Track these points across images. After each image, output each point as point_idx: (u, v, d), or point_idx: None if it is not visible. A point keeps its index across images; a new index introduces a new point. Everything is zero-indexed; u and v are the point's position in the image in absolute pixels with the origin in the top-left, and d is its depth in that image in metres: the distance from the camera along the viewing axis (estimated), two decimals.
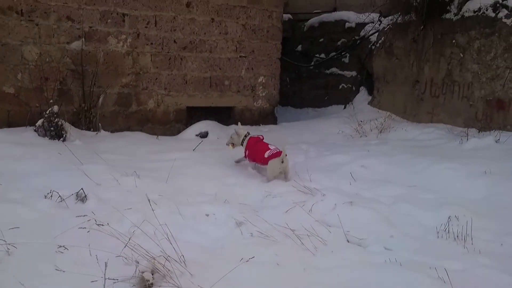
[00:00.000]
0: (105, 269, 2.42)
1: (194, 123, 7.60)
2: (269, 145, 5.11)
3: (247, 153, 5.27)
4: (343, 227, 3.53)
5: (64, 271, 2.62)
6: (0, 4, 6.25)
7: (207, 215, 3.88)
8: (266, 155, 4.99)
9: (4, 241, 2.85)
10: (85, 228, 3.16)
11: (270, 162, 4.90)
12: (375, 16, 9.44)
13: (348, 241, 3.44)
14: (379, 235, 3.54)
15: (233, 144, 5.44)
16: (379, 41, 8.78)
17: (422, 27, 7.66)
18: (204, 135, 7.13)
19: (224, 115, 8.10)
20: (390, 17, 8.57)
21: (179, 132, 7.60)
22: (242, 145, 5.36)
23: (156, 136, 6.97)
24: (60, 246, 2.92)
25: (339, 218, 3.61)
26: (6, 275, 2.56)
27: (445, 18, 7.45)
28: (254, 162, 5.28)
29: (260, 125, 8.36)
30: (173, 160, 5.21)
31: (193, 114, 7.82)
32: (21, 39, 6.44)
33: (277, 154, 4.91)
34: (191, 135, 7.13)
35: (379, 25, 9.26)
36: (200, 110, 7.89)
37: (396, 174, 5.09)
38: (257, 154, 5.14)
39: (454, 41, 7.26)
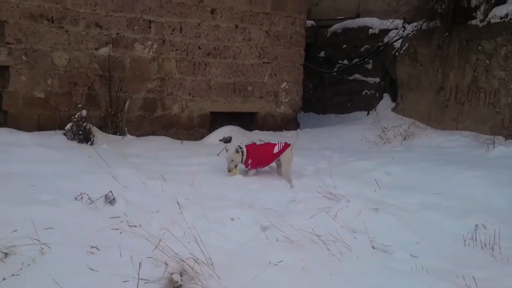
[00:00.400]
0: (139, 270, 2.48)
1: (217, 128, 7.69)
2: (270, 142, 5.31)
3: (250, 162, 5.17)
4: (368, 234, 3.53)
5: (97, 271, 2.70)
6: (31, 11, 6.45)
7: (232, 219, 3.92)
8: (275, 151, 5.16)
9: (39, 240, 2.94)
10: (117, 229, 3.23)
11: (284, 154, 5.11)
12: (399, 22, 9.41)
13: (373, 248, 3.44)
14: (404, 242, 3.54)
15: (236, 166, 5.13)
16: (403, 48, 8.74)
17: (447, 33, 7.61)
18: (227, 140, 7.20)
19: (247, 121, 8.16)
20: (414, 24, 8.54)
21: (202, 137, 7.69)
22: (242, 161, 5.14)
23: (180, 141, 7.08)
24: (92, 247, 3.00)
25: (364, 225, 3.61)
26: (41, 274, 2.65)
27: (471, 25, 7.39)
28: (258, 167, 5.29)
29: (282, 131, 8.41)
30: (197, 164, 5.29)
31: (217, 119, 7.91)
32: (51, 46, 6.62)
33: (286, 146, 5.16)
34: (215, 140, 7.21)
35: (403, 31, 9.23)
36: (223, 116, 7.97)
37: (421, 181, 5.07)
38: (263, 156, 5.18)
39: (480, 47, 7.19)
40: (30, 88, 6.55)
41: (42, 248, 2.94)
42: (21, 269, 2.62)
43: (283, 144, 5.20)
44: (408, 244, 3.50)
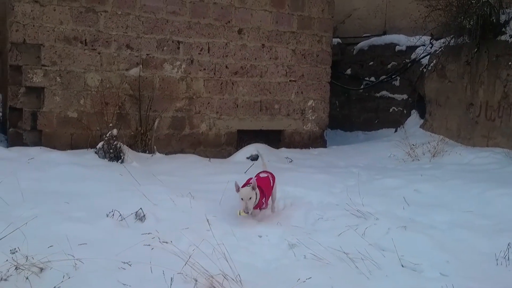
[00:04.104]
0: (171, 285, 2.53)
1: (244, 146, 7.75)
2: (258, 174, 4.64)
3: (264, 200, 4.37)
4: (397, 252, 3.50)
5: (129, 286, 2.77)
6: (66, 34, 6.70)
7: (260, 236, 3.95)
8: (271, 182, 4.59)
9: (73, 256, 3.04)
10: (149, 245, 3.31)
11: (276, 184, 4.66)
12: (426, 39, 9.36)
13: (402, 266, 3.40)
14: (434, 260, 3.49)
15: (251, 200, 4.15)
16: (431, 64, 8.69)
17: (476, 49, 7.53)
18: (254, 158, 7.24)
19: (273, 139, 8.21)
20: (442, 40, 8.49)
21: (229, 155, 7.77)
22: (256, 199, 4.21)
23: (208, 159, 7.16)
24: (124, 263, 3.07)
25: (393, 243, 3.58)
26: None
27: (500, 40, 7.31)
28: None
29: (309, 148, 8.42)
30: (225, 182, 5.32)
31: (243, 137, 7.98)
32: (84, 67, 6.85)
33: (271, 174, 4.68)
34: (242, 158, 7.27)
35: (431, 47, 9.17)
36: (250, 134, 8.04)
37: (451, 199, 4.99)
38: (270, 190, 4.55)
39: (510, 63, 7.09)
40: (63, 108, 6.77)
41: (75, 264, 3.03)
42: (62, 282, 2.69)
43: (267, 174, 4.67)
44: (438, 263, 3.45)
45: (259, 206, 4.29)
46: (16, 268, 2.83)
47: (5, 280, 2.75)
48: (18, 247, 2.92)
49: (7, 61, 6.93)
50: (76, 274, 2.93)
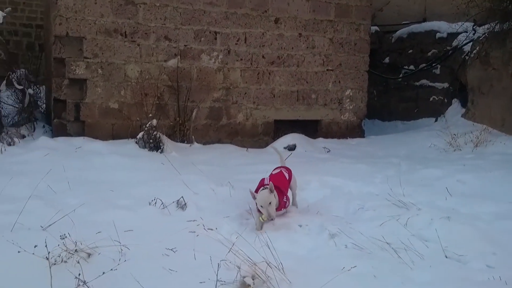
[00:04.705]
0: (218, 271, 2.59)
1: (280, 136, 7.75)
2: (273, 173, 4.31)
3: (286, 197, 4.09)
4: (440, 242, 3.43)
5: (175, 271, 2.83)
6: (107, 27, 6.85)
7: (300, 225, 3.95)
8: (287, 177, 4.30)
9: (119, 242, 3.13)
10: (194, 232, 3.37)
11: (293, 179, 4.36)
12: (468, 25, 9.06)
13: (446, 257, 3.33)
14: (479, 252, 3.40)
15: (271, 205, 3.76)
16: (474, 51, 8.41)
17: None
18: (292, 148, 7.24)
19: (310, 129, 8.16)
20: (486, 26, 8.19)
21: (266, 144, 7.77)
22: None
23: (245, 149, 7.20)
24: (168, 249, 3.14)
25: (437, 233, 3.51)
26: (123, 273, 2.81)
27: None
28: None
29: (347, 138, 8.33)
30: (263, 171, 5.34)
31: (280, 127, 7.97)
32: (125, 59, 6.98)
33: (287, 169, 4.38)
34: (279, 148, 7.21)
35: (473, 34, 8.88)
36: (287, 124, 8.02)
37: (495, 190, 4.84)
38: (287, 188, 4.24)
39: None
40: (105, 99, 6.94)
41: (121, 249, 3.12)
42: (112, 268, 2.78)
43: (280, 168, 4.40)
44: (484, 254, 3.36)
45: (282, 206, 3.95)
46: (66, 253, 2.94)
47: (55, 264, 2.86)
48: (68, 233, 3.02)
49: (50, 55, 7.16)
50: (123, 259, 3.02)
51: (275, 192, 3.81)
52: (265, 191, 3.76)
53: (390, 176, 5.25)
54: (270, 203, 3.71)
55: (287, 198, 4.09)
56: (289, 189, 4.30)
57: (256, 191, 3.92)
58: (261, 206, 3.73)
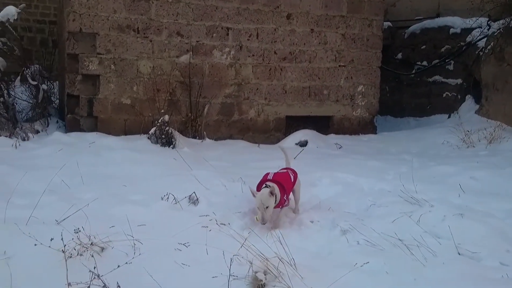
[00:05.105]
0: (230, 266, 2.60)
1: (292, 132, 7.74)
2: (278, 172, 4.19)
3: (287, 195, 3.96)
4: (453, 239, 3.41)
5: (188, 266, 2.85)
6: (119, 23, 6.88)
7: (312, 221, 3.96)
8: (292, 178, 4.16)
9: (132, 236, 3.15)
10: (207, 227, 3.39)
11: (298, 180, 4.23)
12: (483, 20, 8.96)
13: (459, 254, 3.31)
14: (493, 249, 3.37)
15: (268, 209, 3.64)
16: (488, 47, 8.32)
17: None
18: (303, 144, 7.23)
19: (322, 125, 8.14)
20: (501, 21, 8.09)
21: (278, 140, 7.78)
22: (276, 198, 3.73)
23: (257, 145, 7.21)
24: (180, 244, 3.16)
25: (450, 230, 3.49)
26: (135, 267, 2.83)
27: None
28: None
29: (359, 135, 8.30)
30: (275, 167, 5.34)
31: (291, 123, 7.96)
32: (137, 55, 7.02)
33: (292, 170, 4.28)
34: (291, 144, 7.26)
35: (488, 29, 8.78)
36: (298, 120, 8.00)
37: (509, 187, 4.80)
38: (290, 188, 4.11)
39: None
40: (118, 95, 6.98)
41: (134, 244, 3.15)
42: (127, 262, 2.81)
43: (287, 169, 4.30)
44: (498, 252, 3.33)
45: (280, 204, 3.82)
46: (80, 247, 2.97)
47: (71, 257, 2.89)
48: (82, 227, 3.06)
49: (64, 51, 7.22)
50: (136, 254, 3.04)
51: (277, 193, 3.69)
52: (266, 193, 3.61)
53: (403, 173, 5.22)
54: (267, 207, 3.58)
55: (287, 198, 3.95)
56: (291, 193, 4.17)
57: (259, 186, 3.84)
58: (258, 208, 3.63)
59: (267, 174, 4.03)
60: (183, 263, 2.92)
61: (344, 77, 8.28)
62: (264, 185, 3.76)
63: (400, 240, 3.35)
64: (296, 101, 8.01)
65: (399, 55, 10.74)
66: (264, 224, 3.57)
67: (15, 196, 3.83)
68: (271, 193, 3.61)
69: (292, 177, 4.16)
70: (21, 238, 3.00)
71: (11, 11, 6.77)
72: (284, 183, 3.90)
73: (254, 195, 3.69)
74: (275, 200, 3.67)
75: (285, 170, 4.23)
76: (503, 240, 3.52)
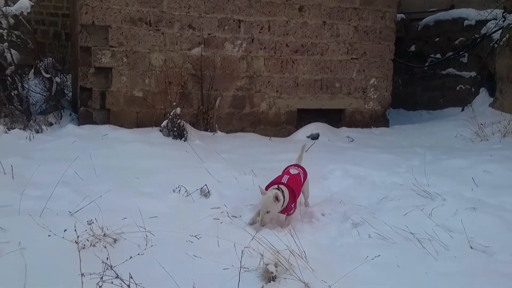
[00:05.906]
0: (241, 258, 2.61)
1: (303, 125, 7.72)
2: (288, 170, 4.12)
3: (295, 204, 3.82)
4: (466, 233, 3.39)
5: (200, 257, 2.87)
6: (132, 16, 6.90)
7: (323, 214, 3.96)
8: (302, 178, 4.09)
9: (144, 228, 3.18)
10: (218, 219, 3.40)
11: (307, 180, 4.17)
12: (498, 12, 8.83)
13: (471, 248, 3.29)
14: (506, 243, 3.35)
15: (271, 219, 3.59)
16: (503, 39, 8.19)
17: None
18: (315, 137, 7.21)
19: (334, 118, 8.11)
20: None
21: (289, 134, 7.77)
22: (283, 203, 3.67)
23: (268, 137, 7.21)
24: (192, 236, 3.18)
25: (462, 224, 3.47)
26: (147, 259, 2.86)
27: None
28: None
29: (371, 128, 8.25)
30: (286, 160, 5.34)
31: (303, 116, 7.94)
32: (149, 47, 7.04)
33: (301, 168, 4.20)
34: (302, 137, 7.25)
35: (503, 21, 8.64)
36: (310, 113, 7.98)
37: None
38: (299, 191, 4.04)
39: None
40: (130, 87, 7.02)
41: (147, 235, 3.17)
42: (139, 253, 2.84)
43: (299, 169, 4.18)
44: (510, 246, 3.31)
45: (286, 211, 3.73)
46: (93, 238, 3.01)
47: (84, 248, 2.93)
48: (95, 218, 3.09)
49: (76, 44, 7.26)
50: (148, 245, 3.07)
51: (285, 198, 3.64)
52: (271, 197, 3.54)
53: (415, 166, 5.19)
54: (268, 212, 3.53)
55: (295, 206, 3.82)
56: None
57: (270, 185, 3.80)
58: (260, 209, 3.61)
59: (281, 176, 3.94)
60: (194, 255, 2.94)
61: (356, 69, 8.22)
62: (275, 187, 3.69)
63: (411, 233, 3.34)
64: (307, 94, 7.98)
65: (412, 48, 10.64)
66: (262, 226, 3.51)
67: (29, 188, 3.87)
68: (276, 198, 3.54)
69: (302, 178, 4.10)
70: (35, 229, 3.04)
71: (24, 4, 6.81)
72: (295, 188, 3.82)
73: (262, 194, 3.65)
74: (282, 205, 3.62)
75: (297, 171, 4.10)
76: None
